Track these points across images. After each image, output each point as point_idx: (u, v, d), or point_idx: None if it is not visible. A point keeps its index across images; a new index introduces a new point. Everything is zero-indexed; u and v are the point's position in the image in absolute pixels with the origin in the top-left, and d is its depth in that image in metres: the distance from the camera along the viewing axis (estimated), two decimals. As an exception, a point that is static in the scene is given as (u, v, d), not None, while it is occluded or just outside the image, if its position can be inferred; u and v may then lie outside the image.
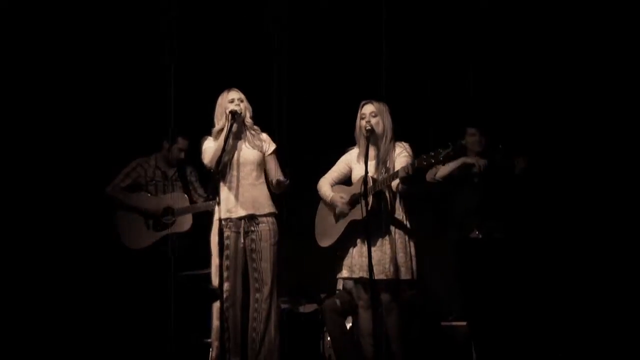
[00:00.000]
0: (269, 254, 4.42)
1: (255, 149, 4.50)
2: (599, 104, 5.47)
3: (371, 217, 4.21)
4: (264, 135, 4.58)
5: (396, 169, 4.27)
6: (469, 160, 5.09)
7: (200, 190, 5.60)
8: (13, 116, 5.74)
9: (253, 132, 4.53)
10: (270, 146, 4.56)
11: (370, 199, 4.20)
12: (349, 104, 4.59)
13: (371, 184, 4.25)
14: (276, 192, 4.51)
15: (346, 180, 4.59)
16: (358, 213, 4.28)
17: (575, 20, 5.44)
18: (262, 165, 4.53)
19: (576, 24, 5.45)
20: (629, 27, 5.30)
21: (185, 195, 5.52)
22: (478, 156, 5.14)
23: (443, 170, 5.10)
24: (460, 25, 5.69)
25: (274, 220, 4.50)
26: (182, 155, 5.57)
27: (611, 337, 5.09)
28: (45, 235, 5.72)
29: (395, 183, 4.27)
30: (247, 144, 4.50)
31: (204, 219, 4.89)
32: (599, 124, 5.47)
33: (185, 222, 5.44)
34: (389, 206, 4.35)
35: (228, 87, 4.56)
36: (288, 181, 4.40)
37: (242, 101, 4.48)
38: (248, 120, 4.50)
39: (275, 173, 4.50)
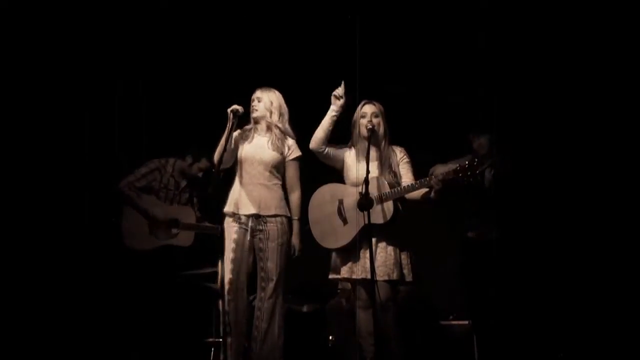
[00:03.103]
0: (275, 253, 4.39)
1: (275, 151, 4.47)
2: (594, 106, 5.49)
3: (392, 221, 4.22)
4: (291, 141, 4.55)
5: (402, 174, 4.35)
6: None
7: (197, 213, 5.58)
8: (34, 114, 5.75)
9: (278, 134, 4.49)
10: (293, 152, 4.53)
11: (390, 205, 4.22)
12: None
13: (388, 189, 4.26)
14: None
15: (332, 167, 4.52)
16: (374, 217, 4.20)
17: (576, 26, 5.44)
18: (278, 168, 4.50)
19: (577, 29, 5.45)
20: (629, 33, 5.30)
21: (193, 211, 5.53)
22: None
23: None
24: (457, 29, 5.69)
25: (284, 220, 4.46)
26: (200, 175, 5.58)
27: (611, 335, 5.09)
28: (45, 234, 5.69)
29: (420, 192, 4.26)
30: (269, 144, 4.48)
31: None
32: (594, 126, 5.48)
33: (188, 238, 5.43)
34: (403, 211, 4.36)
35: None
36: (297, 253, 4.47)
37: (259, 101, 4.50)
38: (279, 123, 4.48)
39: (293, 189, 4.50)
